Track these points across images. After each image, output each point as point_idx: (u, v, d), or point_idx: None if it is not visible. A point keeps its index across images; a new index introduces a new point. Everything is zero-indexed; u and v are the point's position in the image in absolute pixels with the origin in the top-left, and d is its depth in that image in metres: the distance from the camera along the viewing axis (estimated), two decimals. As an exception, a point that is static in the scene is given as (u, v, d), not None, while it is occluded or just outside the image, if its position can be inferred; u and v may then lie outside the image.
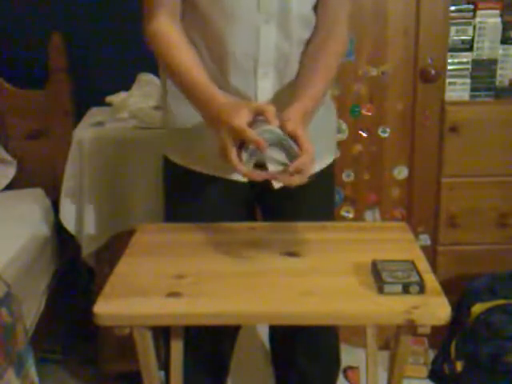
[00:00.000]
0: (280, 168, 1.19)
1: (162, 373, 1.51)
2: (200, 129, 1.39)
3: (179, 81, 1.33)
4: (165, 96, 1.47)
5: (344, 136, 2.19)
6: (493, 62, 2.15)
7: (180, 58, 1.32)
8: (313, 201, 1.52)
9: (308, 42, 1.42)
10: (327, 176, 1.56)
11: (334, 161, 1.58)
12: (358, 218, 2.27)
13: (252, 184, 1.44)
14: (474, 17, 2.10)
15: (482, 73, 2.15)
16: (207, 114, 1.27)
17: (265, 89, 1.38)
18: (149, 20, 1.35)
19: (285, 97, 1.41)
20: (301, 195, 1.50)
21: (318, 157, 1.51)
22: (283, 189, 1.45)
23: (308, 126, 1.26)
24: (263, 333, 2.23)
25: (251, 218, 1.58)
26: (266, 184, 1.43)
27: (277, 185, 1.44)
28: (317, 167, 1.50)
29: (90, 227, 2.05)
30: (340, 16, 1.43)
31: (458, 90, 2.17)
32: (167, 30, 1.34)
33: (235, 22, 1.31)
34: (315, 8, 1.41)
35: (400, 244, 1.36)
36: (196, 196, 1.48)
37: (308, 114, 1.27)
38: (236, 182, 1.44)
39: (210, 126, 1.27)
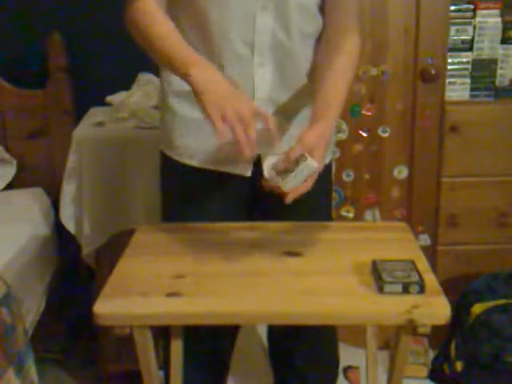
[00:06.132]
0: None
1: (162, 372, 1.51)
2: (202, 123, 1.39)
3: (166, 49, 1.27)
4: (165, 94, 1.47)
5: (344, 136, 2.19)
6: (493, 62, 2.14)
7: (169, 28, 1.29)
8: (311, 200, 1.52)
9: (321, 45, 1.42)
10: (325, 176, 1.56)
11: (331, 161, 1.58)
12: (358, 217, 2.27)
13: (251, 178, 1.44)
14: (474, 17, 2.10)
15: (482, 73, 2.15)
16: (203, 79, 1.20)
17: (262, 80, 1.37)
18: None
19: (285, 93, 1.40)
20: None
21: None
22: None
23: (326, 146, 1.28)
24: (263, 332, 2.23)
25: (249, 214, 1.57)
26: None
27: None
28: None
29: (90, 227, 2.05)
30: (352, 19, 1.42)
31: (457, 90, 2.17)
32: (154, 8, 1.31)
33: (231, 7, 1.30)
34: (322, 9, 1.40)
35: (400, 244, 1.36)
36: (195, 191, 1.48)
37: (326, 135, 1.29)
38: (236, 176, 1.44)
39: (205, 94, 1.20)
